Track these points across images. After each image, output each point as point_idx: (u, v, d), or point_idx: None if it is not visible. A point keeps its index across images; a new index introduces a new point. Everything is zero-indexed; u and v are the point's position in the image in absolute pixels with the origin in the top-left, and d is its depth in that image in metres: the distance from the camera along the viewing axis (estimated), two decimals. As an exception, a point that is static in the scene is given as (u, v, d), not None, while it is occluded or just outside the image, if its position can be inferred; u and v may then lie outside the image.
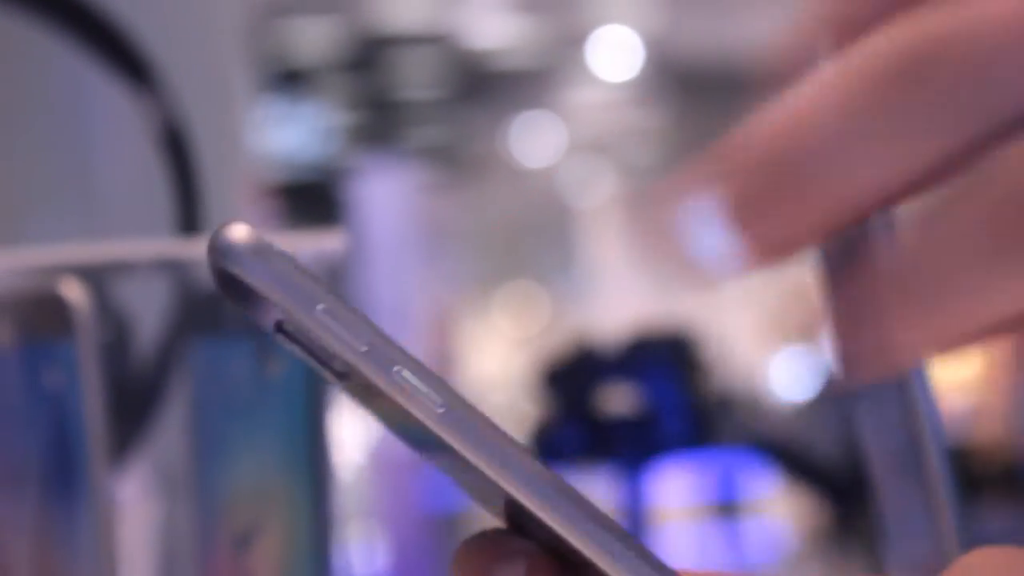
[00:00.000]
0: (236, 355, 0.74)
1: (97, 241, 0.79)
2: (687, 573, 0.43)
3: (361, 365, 0.36)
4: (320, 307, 0.36)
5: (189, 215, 0.86)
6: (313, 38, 10.95)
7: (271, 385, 0.72)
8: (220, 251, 0.36)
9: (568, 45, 11.03)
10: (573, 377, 1.17)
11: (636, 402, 1.17)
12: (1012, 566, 0.43)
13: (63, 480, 0.71)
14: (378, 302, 4.18)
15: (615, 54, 11.37)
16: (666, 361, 1.15)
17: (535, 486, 0.38)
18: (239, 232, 0.36)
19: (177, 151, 0.84)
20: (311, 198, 12.62)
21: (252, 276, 0.36)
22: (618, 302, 16.81)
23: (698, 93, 13.53)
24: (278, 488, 0.73)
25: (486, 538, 0.41)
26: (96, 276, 0.76)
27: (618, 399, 1.18)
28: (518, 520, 0.40)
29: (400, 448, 0.44)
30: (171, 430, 0.83)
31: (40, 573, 0.71)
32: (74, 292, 0.70)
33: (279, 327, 0.37)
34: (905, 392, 0.60)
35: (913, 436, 0.59)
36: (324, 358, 0.37)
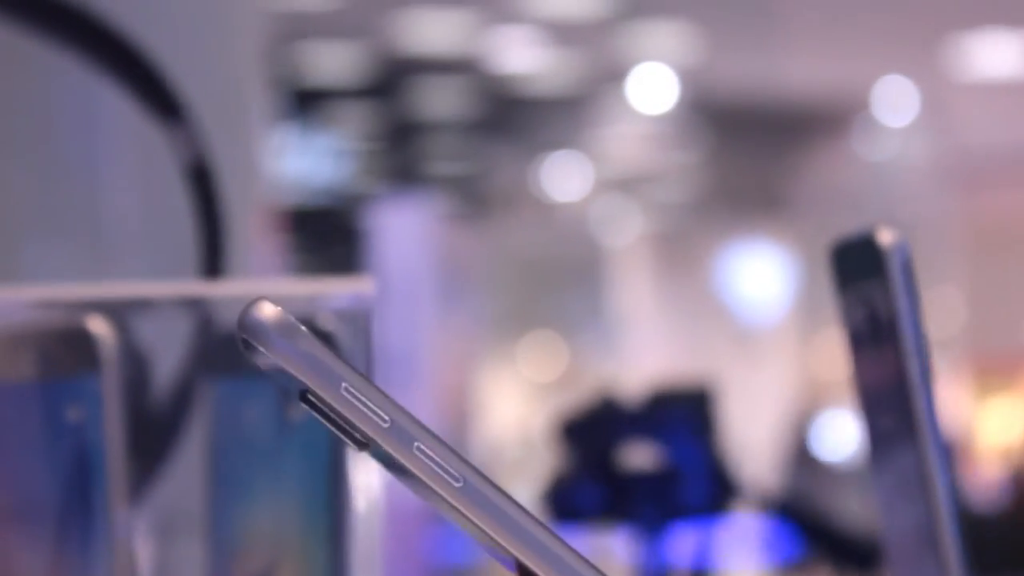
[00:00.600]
0: (257, 396, 0.78)
1: (112, 277, 0.84)
2: None
3: (382, 440, 0.41)
4: (344, 385, 0.41)
5: (215, 252, 0.90)
6: (334, 62, 11.02)
7: (291, 428, 0.76)
8: (249, 329, 0.41)
9: (602, 79, 11.08)
10: (592, 431, 1.21)
11: (657, 459, 1.21)
12: None
13: (81, 513, 0.75)
14: (393, 341, 4.22)
15: (649, 89, 11.43)
16: (689, 418, 1.19)
17: (542, 554, 0.43)
18: (267, 311, 0.41)
19: (205, 187, 0.88)
20: (326, 225, 12.69)
21: (280, 355, 0.41)
22: (645, 349, 16.82)
23: (732, 131, 13.57)
24: (294, 533, 0.77)
25: None
26: (119, 313, 0.80)
27: (639, 455, 1.22)
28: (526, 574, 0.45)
29: (410, 498, 0.49)
30: (181, 469, 0.87)
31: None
32: (100, 327, 0.74)
33: (304, 397, 0.42)
34: (923, 468, 0.65)
35: (930, 513, 0.64)
36: (348, 428, 0.42)
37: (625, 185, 15.14)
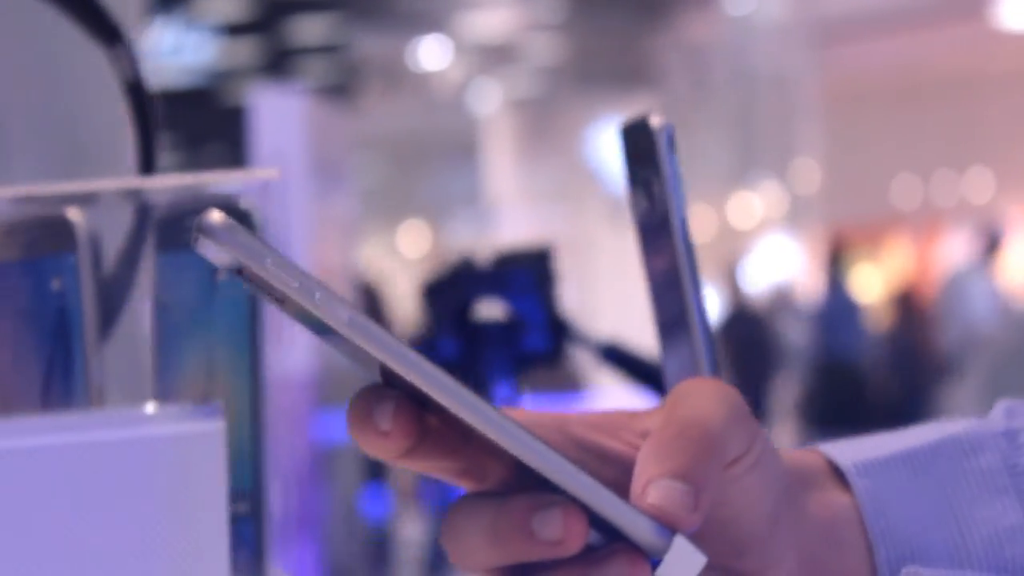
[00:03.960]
0: (191, 266, 1.03)
1: (77, 178, 1.08)
2: (513, 411, 0.72)
3: (293, 294, 0.65)
4: (268, 261, 0.65)
5: (148, 153, 1.16)
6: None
7: (218, 288, 1.02)
8: (205, 230, 0.64)
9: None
10: (448, 290, 1.44)
11: (504, 312, 1.45)
12: (717, 389, 0.72)
13: (65, 360, 1.01)
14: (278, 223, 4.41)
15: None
16: (530, 276, 1.43)
17: (402, 356, 0.66)
18: (216, 217, 0.64)
19: (140, 101, 1.13)
20: (200, 105, 12.70)
21: (226, 246, 0.64)
22: (516, 219, 16.93)
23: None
24: (223, 367, 1.03)
25: (368, 389, 0.69)
26: (82, 204, 1.05)
27: (488, 309, 1.46)
28: (390, 380, 0.67)
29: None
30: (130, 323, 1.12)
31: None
32: (76, 216, 0.99)
33: (238, 272, 0.66)
34: (681, 287, 0.86)
35: (684, 309, 0.87)
36: (269, 291, 0.66)
37: (491, 55, 15.25)
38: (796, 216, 15.43)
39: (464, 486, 0.71)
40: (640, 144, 0.82)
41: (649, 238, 0.84)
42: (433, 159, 18.60)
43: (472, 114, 17.16)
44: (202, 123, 12.45)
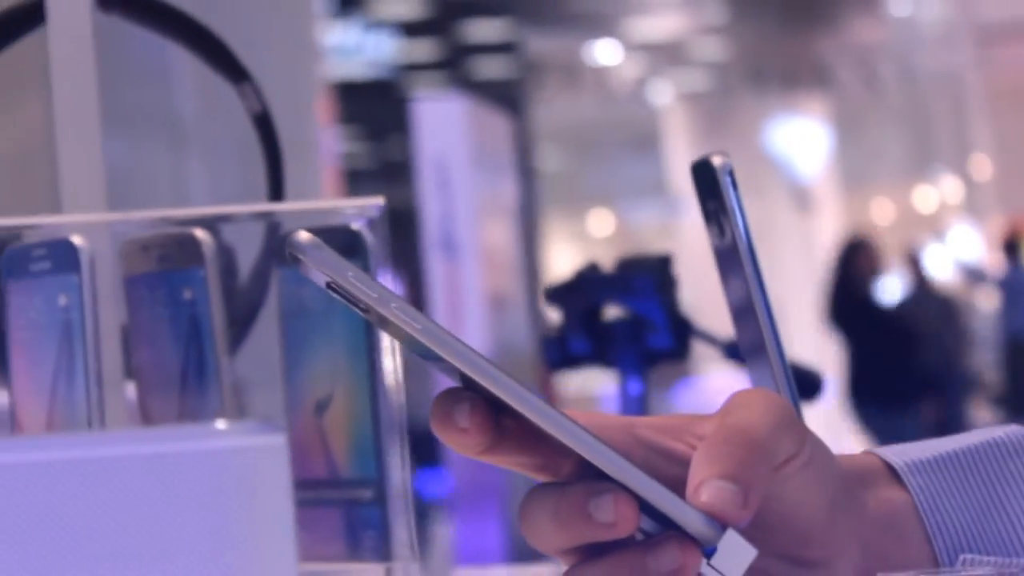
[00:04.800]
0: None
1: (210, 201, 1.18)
2: (576, 413, 0.79)
3: (373, 304, 0.73)
4: (350, 274, 0.73)
5: (276, 179, 1.25)
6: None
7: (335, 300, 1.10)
8: (295, 246, 0.72)
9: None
10: (575, 293, 1.51)
11: (628, 313, 1.53)
12: (765, 398, 0.79)
13: (197, 365, 1.10)
14: (442, 219, 4.55)
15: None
16: (652, 280, 1.49)
17: (475, 363, 0.73)
18: (303, 236, 0.72)
19: (267, 134, 1.22)
20: (375, 97, 12.91)
21: (313, 261, 0.72)
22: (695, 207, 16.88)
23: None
24: (343, 369, 1.11)
25: (448, 391, 0.77)
26: (213, 224, 1.14)
27: (614, 311, 1.53)
28: (469, 385, 0.75)
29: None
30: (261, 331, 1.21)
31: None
32: (203, 235, 1.08)
33: (328, 285, 0.73)
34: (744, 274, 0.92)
35: (759, 330, 0.94)
36: (354, 302, 0.73)
37: (661, 55, 15.29)
38: (973, 206, 15.29)
39: (542, 479, 0.79)
40: (707, 180, 0.90)
41: (724, 265, 0.92)
42: (614, 149, 18.68)
43: (650, 105, 17.21)
44: (383, 114, 12.66)
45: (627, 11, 14.02)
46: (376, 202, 1.04)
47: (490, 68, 13.66)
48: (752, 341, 0.94)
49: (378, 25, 13.39)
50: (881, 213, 16.80)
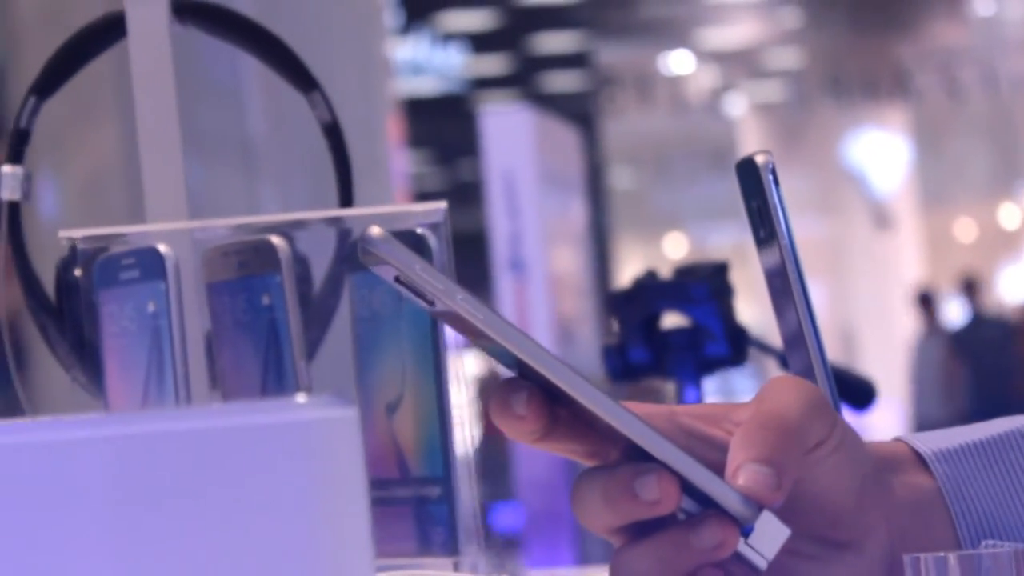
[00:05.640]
0: (382, 283, 1.20)
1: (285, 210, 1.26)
2: (633, 405, 0.87)
3: (439, 295, 0.80)
4: (417, 267, 0.80)
5: (346, 187, 1.33)
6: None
7: (403, 303, 1.18)
8: (367, 241, 0.80)
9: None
10: (634, 301, 1.58)
11: (686, 321, 1.59)
12: (797, 385, 0.86)
13: (275, 366, 1.18)
14: (510, 236, 4.61)
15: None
16: (710, 287, 1.56)
17: (533, 351, 0.80)
18: (374, 231, 0.80)
19: (336, 142, 1.31)
20: (442, 113, 13.02)
21: (383, 254, 0.79)
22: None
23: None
24: (413, 372, 1.19)
25: (507, 381, 0.84)
26: (288, 231, 1.22)
27: (672, 319, 1.59)
28: (525, 373, 0.82)
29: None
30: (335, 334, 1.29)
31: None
32: (279, 242, 1.17)
33: (396, 279, 0.80)
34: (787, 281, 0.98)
35: (798, 321, 0.99)
36: (420, 294, 0.80)
37: (736, 64, 15.28)
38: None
39: (591, 465, 0.86)
40: (751, 178, 0.97)
41: (762, 253, 0.99)
42: (688, 164, 18.68)
43: (725, 117, 17.22)
44: (452, 133, 12.76)
45: (700, 20, 14.06)
46: (439, 206, 1.12)
47: (561, 81, 13.73)
48: (792, 329, 0.99)
49: (446, 39, 13.50)
50: (963, 231, 16.68)
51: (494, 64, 13.85)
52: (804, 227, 16.59)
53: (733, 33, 14.74)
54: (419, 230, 1.14)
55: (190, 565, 0.64)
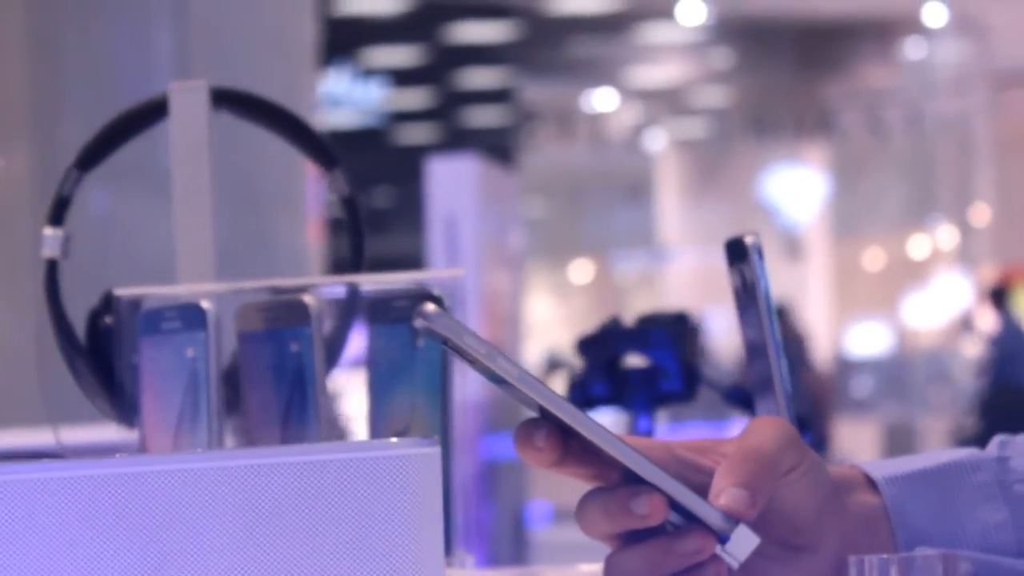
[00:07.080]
0: (396, 334, 1.40)
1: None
2: (627, 438, 1.08)
3: (483, 359, 1.00)
4: (465, 337, 1.00)
5: (358, 254, 1.54)
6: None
7: (419, 352, 1.39)
8: (423, 315, 1.00)
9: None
10: (600, 343, 1.79)
11: (646, 361, 1.81)
12: (774, 424, 1.07)
13: (301, 403, 1.38)
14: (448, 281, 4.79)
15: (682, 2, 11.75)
16: (668, 333, 1.78)
17: (556, 402, 1.01)
18: (429, 307, 1.00)
19: (352, 214, 1.51)
20: (372, 144, 13.16)
21: (436, 326, 1.00)
22: (681, 257, 17.06)
23: (759, 40, 13.84)
24: (421, 408, 1.40)
25: (529, 421, 1.05)
26: (311, 292, 1.43)
27: (633, 359, 1.81)
28: (544, 415, 1.02)
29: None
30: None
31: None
32: (310, 300, 1.37)
33: (445, 343, 1.00)
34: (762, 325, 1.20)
35: (769, 370, 1.21)
36: (463, 355, 1.00)
37: (660, 102, 15.54)
38: (967, 255, 15.55)
39: (594, 486, 1.06)
40: (739, 252, 1.18)
41: (743, 313, 1.20)
42: (603, 197, 18.94)
43: (643, 153, 17.50)
44: (374, 162, 12.92)
45: (630, 59, 14.31)
46: (459, 273, 1.33)
47: (483, 116, 13.95)
48: (762, 375, 1.20)
49: (368, 74, 13.69)
50: (872, 261, 17.06)
51: (415, 98, 14.05)
52: (713, 257, 16.86)
53: (662, 72, 15.03)
54: (436, 291, 1.36)
55: (311, 570, 0.84)
